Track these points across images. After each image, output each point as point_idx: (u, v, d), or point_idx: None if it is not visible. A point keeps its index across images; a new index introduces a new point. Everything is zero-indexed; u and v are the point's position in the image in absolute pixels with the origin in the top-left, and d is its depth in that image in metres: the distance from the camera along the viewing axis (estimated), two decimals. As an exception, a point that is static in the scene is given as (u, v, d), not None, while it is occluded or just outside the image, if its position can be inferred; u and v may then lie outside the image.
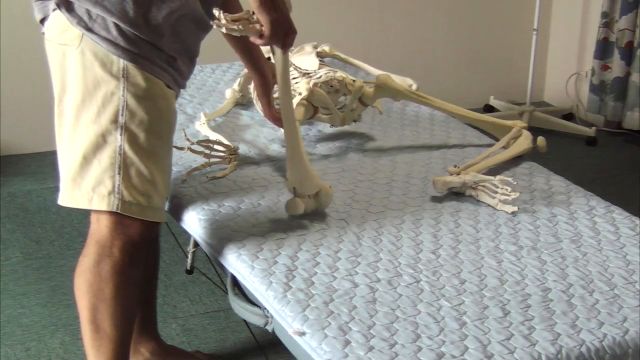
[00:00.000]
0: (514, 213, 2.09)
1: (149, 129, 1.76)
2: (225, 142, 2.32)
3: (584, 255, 1.91)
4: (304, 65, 2.63)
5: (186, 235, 2.65)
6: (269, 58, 2.79)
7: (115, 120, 1.73)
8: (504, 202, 2.11)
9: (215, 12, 1.78)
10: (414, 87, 2.72)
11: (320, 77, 2.45)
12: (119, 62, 1.71)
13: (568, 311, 1.67)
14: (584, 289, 1.76)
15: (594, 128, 4.39)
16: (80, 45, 1.71)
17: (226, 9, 2.06)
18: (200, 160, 2.25)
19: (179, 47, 1.80)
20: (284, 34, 1.82)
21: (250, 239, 1.91)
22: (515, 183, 2.18)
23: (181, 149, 2.25)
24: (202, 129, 2.44)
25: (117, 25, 1.69)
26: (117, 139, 1.74)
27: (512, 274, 1.81)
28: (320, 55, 2.88)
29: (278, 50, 1.88)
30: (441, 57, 4.70)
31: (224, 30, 1.79)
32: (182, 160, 2.28)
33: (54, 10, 1.73)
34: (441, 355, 1.52)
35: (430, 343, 1.55)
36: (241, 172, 2.26)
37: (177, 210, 2.10)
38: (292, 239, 1.92)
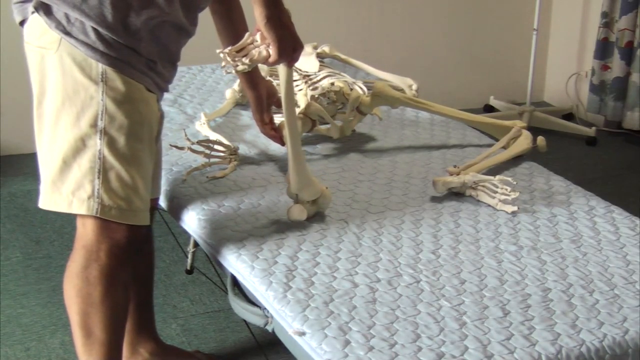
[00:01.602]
0: (514, 213, 2.09)
1: (129, 133, 1.74)
2: (225, 142, 2.32)
3: (584, 255, 1.91)
4: (304, 66, 2.64)
5: (186, 235, 2.65)
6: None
7: (94, 125, 1.71)
8: (504, 202, 2.11)
9: (220, 55, 1.78)
10: (414, 87, 2.72)
11: (317, 88, 2.45)
12: (98, 67, 1.69)
13: (568, 311, 1.67)
14: (584, 289, 1.76)
15: (594, 128, 4.39)
16: (59, 49, 1.69)
17: (231, 15, 2.04)
18: (200, 160, 2.25)
19: (159, 51, 1.78)
20: (292, 50, 1.82)
21: (250, 239, 1.91)
22: (515, 183, 2.18)
23: (181, 148, 2.25)
24: (202, 129, 2.44)
25: (95, 30, 1.67)
26: (96, 143, 1.72)
27: (512, 274, 1.81)
28: (321, 56, 2.88)
29: (283, 65, 1.88)
30: (441, 57, 4.70)
31: (234, 71, 1.80)
32: (182, 160, 2.29)
33: (33, 13, 1.72)
34: (441, 355, 1.52)
35: (430, 343, 1.55)
36: (241, 172, 2.26)
37: (177, 210, 2.10)
38: (292, 239, 1.92)
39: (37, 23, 1.72)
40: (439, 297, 1.71)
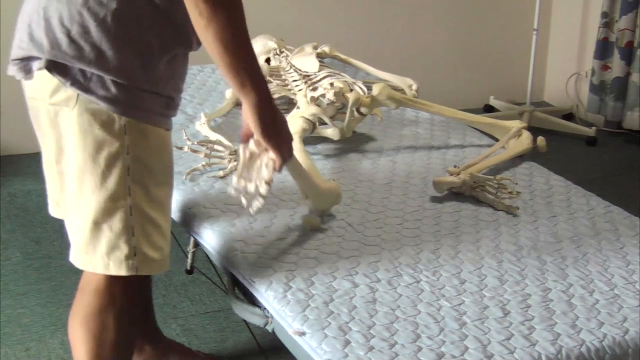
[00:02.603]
0: (513, 213, 2.09)
1: (155, 183, 1.70)
2: (225, 142, 2.32)
3: (584, 255, 1.91)
4: (304, 66, 2.64)
5: (186, 235, 2.65)
6: (267, 60, 2.80)
7: (123, 183, 1.64)
8: (504, 202, 2.11)
9: (232, 188, 1.71)
10: (414, 87, 2.72)
11: (317, 88, 2.45)
12: (120, 120, 1.61)
13: (568, 311, 1.67)
14: (584, 289, 1.76)
15: (594, 128, 4.39)
16: (77, 105, 1.60)
17: None
18: (201, 160, 2.25)
19: (175, 83, 1.72)
20: (291, 147, 1.75)
21: (250, 239, 1.91)
22: (515, 183, 2.18)
23: (181, 148, 2.25)
24: (202, 129, 2.44)
25: (115, 82, 1.59)
26: (126, 202, 1.66)
27: (512, 274, 1.81)
28: (321, 56, 2.88)
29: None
30: (441, 57, 4.70)
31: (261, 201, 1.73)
32: (182, 160, 2.28)
33: (40, 69, 1.62)
34: (441, 355, 1.52)
35: (430, 343, 1.55)
36: (241, 172, 2.25)
37: (177, 210, 2.10)
38: (292, 238, 1.92)
39: (47, 80, 1.62)
40: (439, 297, 1.71)
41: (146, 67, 1.61)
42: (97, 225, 1.67)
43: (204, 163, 2.24)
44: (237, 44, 1.56)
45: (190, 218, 2.04)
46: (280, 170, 1.73)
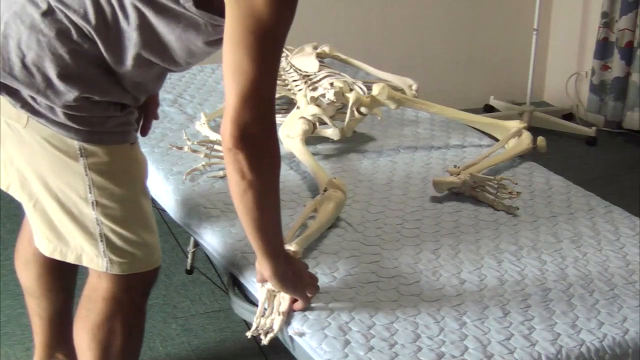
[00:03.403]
0: (513, 213, 2.09)
1: (122, 199, 1.67)
2: (225, 142, 2.32)
3: (584, 255, 1.91)
4: (304, 66, 2.64)
5: (186, 235, 2.65)
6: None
7: (85, 198, 1.63)
8: (504, 202, 2.11)
9: (251, 331, 1.64)
10: (414, 87, 2.72)
11: (317, 88, 2.45)
12: (74, 143, 1.58)
13: (568, 311, 1.67)
14: (584, 289, 1.76)
15: (594, 128, 4.39)
16: (28, 125, 1.57)
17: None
18: (201, 160, 2.25)
19: (139, 97, 1.67)
20: (305, 290, 1.66)
21: (250, 239, 1.91)
22: (515, 183, 2.18)
23: (181, 148, 2.25)
24: (202, 129, 2.44)
25: (65, 113, 1.56)
26: (91, 212, 1.65)
27: (512, 274, 1.81)
28: (320, 56, 2.88)
29: None
30: (441, 57, 4.70)
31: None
32: (182, 160, 2.28)
33: None
34: (441, 355, 1.52)
35: (430, 343, 1.55)
36: (241, 172, 2.25)
37: (177, 210, 2.10)
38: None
39: None
40: (439, 297, 1.71)
41: (103, 103, 1.58)
42: (65, 227, 1.67)
43: (204, 163, 2.24)
44: (270, 212, 1.54)
45: (190, 218, 2.04)
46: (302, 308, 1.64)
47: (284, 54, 2.76)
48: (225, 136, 1.42)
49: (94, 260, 1.70)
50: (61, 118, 1.56)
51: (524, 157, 2.44)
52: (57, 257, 1.73)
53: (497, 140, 2.54)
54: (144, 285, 1.81)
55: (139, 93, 1.67)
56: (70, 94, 1.54)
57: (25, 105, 1.56)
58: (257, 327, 1.65)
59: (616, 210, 2.14)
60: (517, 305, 1.69)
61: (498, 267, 1.83)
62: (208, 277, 2.77)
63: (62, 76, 1.53)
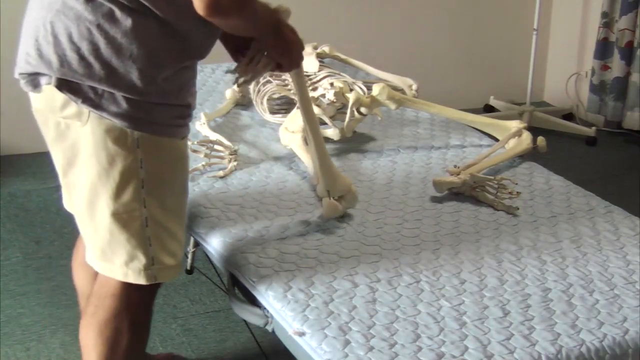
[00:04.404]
0: (513, 213, 2.09)
1: (170, 193, 1.70)
2: (226, 142, 2.32)
3: (584, 255, 1.91)
4: (304, 66, 2.63)
5: (186, 235, 2.65)
6: None
7: (137, 196, 1.64)
8: (504, 202, 2.11)
9: (234, 81, 1.79)
10: (414, 87, 2.72)
11: (317, 88, 2.45)
12: (133, 134, 1.61)
13: (568, 311, 1.67)
14: (584, 289, 1.76)
15: (594, 128, 4.39)
16: (89, 121, 1.60)
17: None
18: (201, 160, 2.25)
19: (187, 90, 1.72)
20: (298, 58, 1.84)
21: (250, 239, 1.91)
22: (515, 183, 2.18)
23: (181, 149, 2.25)
24: (202, 129, 2.44)
25: (126, 98, 1.59)
26: (142, 213, 1.66)
27: (512, 274, 1.81)
28: (321, 56, 2.88)
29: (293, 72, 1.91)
30: (441, 57, 4.70)
31: (251, 83, 1.82)
32: (182, 160, 2.28)
33: (48, 84, 1.61)
34: (441, 355, 1.52)
35: (430, 343, 1.55)
36: (241, 172, 2.26)
37: (177, 210, 2.10)
38: (292, 239, 1.92)
39: (56, 95, 1.61)
40: (439, 297, 1.71)
41: (157, 81, 1.61)
42: (113, 236, 1.67)
43: (204, 163, 2.24)
44: (252, 19, 1.67)
45: (190, 218, 2.04)
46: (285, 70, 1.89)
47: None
48: None
49: (142, 274, 1.70)
50: (123, 107, 1.59)
51: (524, 157, 2.44)
52: (106, 274, 1.74)
53: (497, 140, 2.54)
54: (155, 287, 1.81)
55: (195, 47, 1.69)
56: (130, 75, 1.57)
57: (87, 100, 1.59)
58: (238, 77, 1.83)
59: (616, 210, 2.14)
60: (517, 305, 1.69)
61: (498, 267, 1.83)
62: (208, 277, 2.77)
63: (118, 57, 1.56)
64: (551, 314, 1.66)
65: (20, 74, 1.67)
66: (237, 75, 1.85)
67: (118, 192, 1.64)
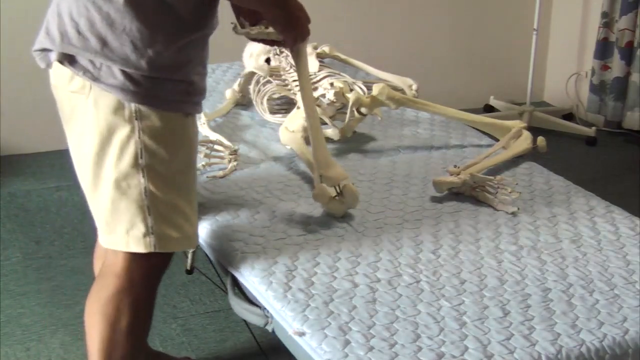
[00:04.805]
0: (514, 213, 2.09)
1: (170, 166, 1.74)
2: (225, 142, 2.32)
3: (584, 255, 1.91)
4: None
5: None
6: (267, 60, 2.80)
7: (135, 164, 1.70)
8: (504, 202, 2.11)
9: (233, 27, 1.85)
10: (414, 87, 2.72)
11: (317, 88, 2.45)
12: (131, 106, 1.67)
13: (568, 311, 1.67)
14: (584, 289, 1.76)
15: (594, 128, 4.38)
16: (90, 94, 1.68)
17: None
18: (201, 160, 2.25)
19: (192, 67, 1.77)
20: (303, 32, 1.87)
21: (250, 239, 1.91)
22: (515, 183, 2.18)
23: (181, 149, 2.25)
24: (202, 129, 2.44)
25: (122, 71, 1.66)
26: (140, 182, 1.71)
27: (512, 274, 1.81)
28: (320, 56, 2.88)
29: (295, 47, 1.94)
30: (441, 57, 4.70)
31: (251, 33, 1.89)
32: (182, 160, 2.28)
33: (55, 60, 1.71)
34: (441, 355, 1.52)
35: (430, 343, 1.55)
36: (241, 172, 2.26)
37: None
38: (292, 238, 1.92)
39: (62, 70, 1.71)
40: (439, 297, 1.71)
41: (151, 55, 1.66)
42: (114, 205, 1.73)
43: (204, 163, 2.24)
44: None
45: (190, 218, 2.04)
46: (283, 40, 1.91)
47: (283, 54, 2.76)
48: None
49: (142, 242, 1.75)
50: (119, 79, 1.66)
51: (524, 157, 2.44)
52: (111, 247, 1.78)
53: (497, 140, 2.54)
54: (161, 266, 1.83)
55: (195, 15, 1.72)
56: (124, 48, 1.65)
57: (86, 72, 1.68)
58: (238, 25, 1.87)
59: (616, 210, 2.14)
60: (517, 305, 1.69)
61: (498, 267, 1.83)
62: (208, 277, 2.77)
63: (112, 32, 1.64)
64: (551, 314, 1.66)
65: (34, 50, 1.77)
66: (238, 24, 1.89)
67: (118, 160, 1.70)
